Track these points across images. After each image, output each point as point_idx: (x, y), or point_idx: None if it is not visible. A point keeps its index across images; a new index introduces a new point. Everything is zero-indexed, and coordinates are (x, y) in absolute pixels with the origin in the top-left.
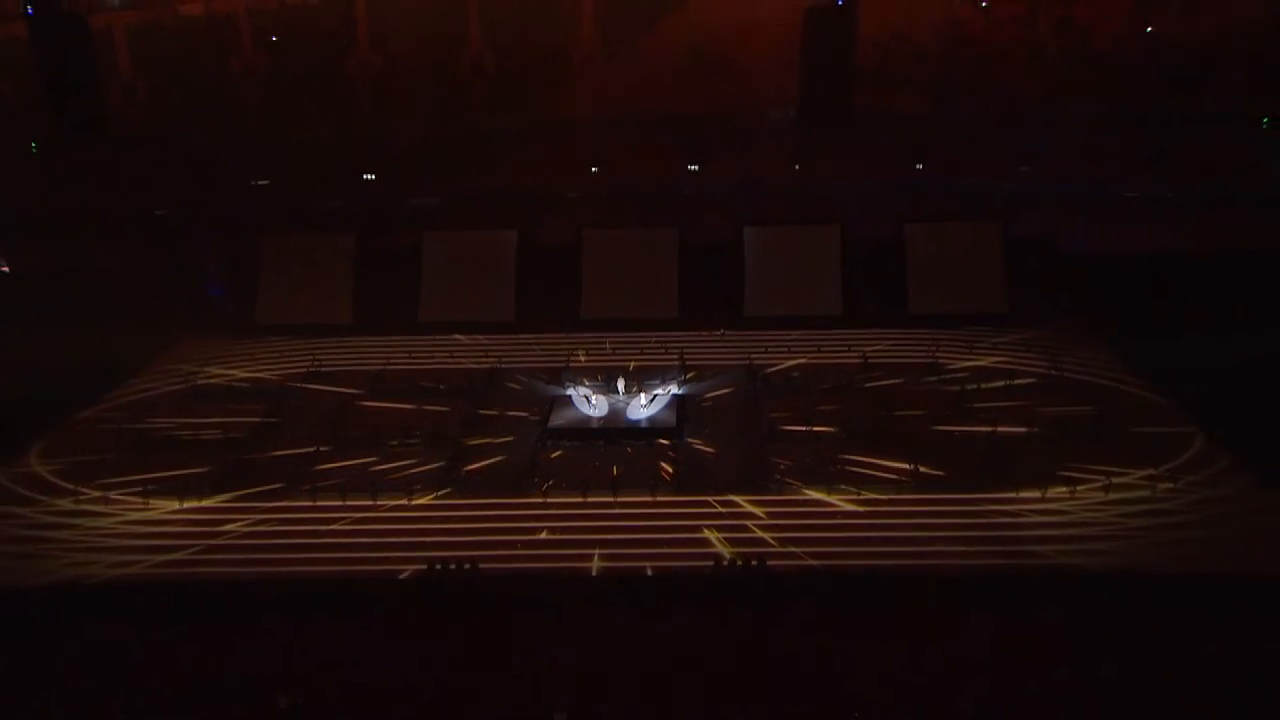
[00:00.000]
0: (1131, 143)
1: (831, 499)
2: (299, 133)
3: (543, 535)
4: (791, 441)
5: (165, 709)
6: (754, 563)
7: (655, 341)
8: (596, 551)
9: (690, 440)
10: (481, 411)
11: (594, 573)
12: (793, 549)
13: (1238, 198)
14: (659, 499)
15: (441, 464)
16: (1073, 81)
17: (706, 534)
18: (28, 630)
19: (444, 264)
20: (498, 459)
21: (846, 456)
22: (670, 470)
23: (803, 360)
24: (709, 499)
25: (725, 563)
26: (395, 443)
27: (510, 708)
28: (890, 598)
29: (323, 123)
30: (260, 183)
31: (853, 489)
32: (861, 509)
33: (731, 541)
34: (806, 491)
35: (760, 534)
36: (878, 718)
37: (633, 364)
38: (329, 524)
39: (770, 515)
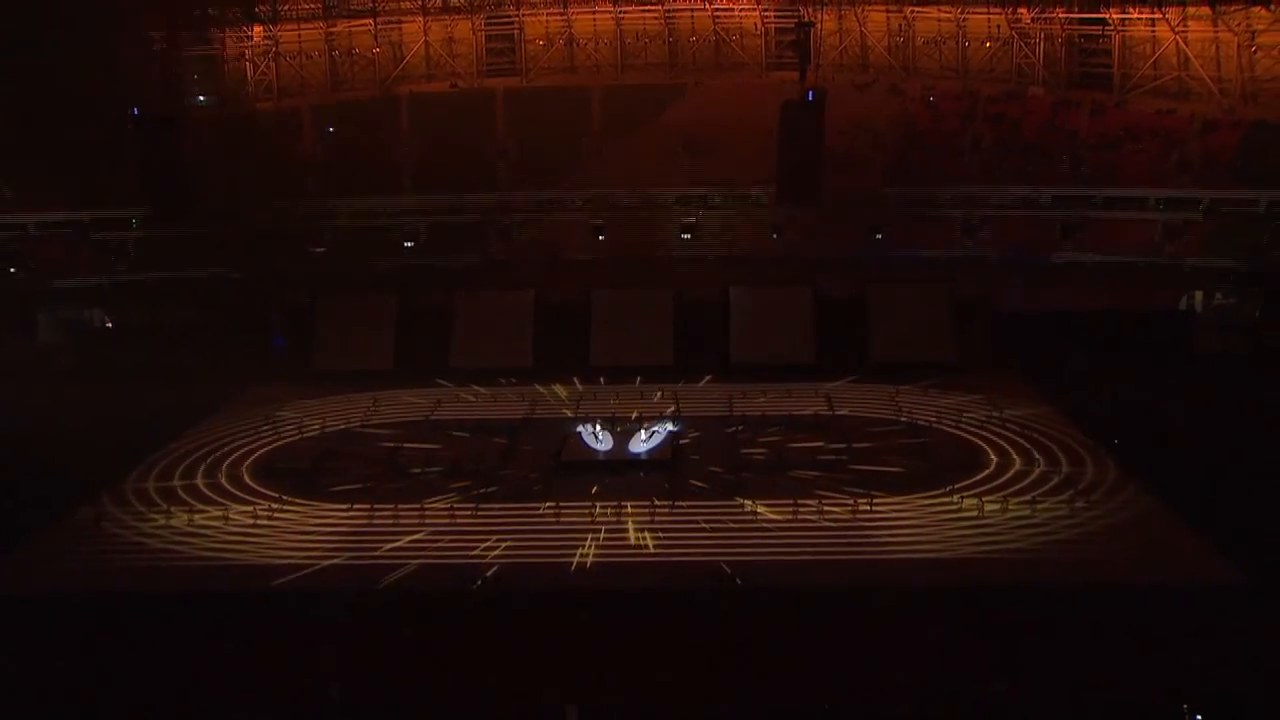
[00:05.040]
0: (1054, 219)
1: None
2: (350, 206)
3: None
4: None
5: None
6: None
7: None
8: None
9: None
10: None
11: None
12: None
13: (1139, 266)
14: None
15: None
16: (1006, 167)
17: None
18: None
19: (472, 318)
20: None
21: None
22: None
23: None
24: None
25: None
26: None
27: (524, 701)
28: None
29: (370, 198)
30: (317, 250)
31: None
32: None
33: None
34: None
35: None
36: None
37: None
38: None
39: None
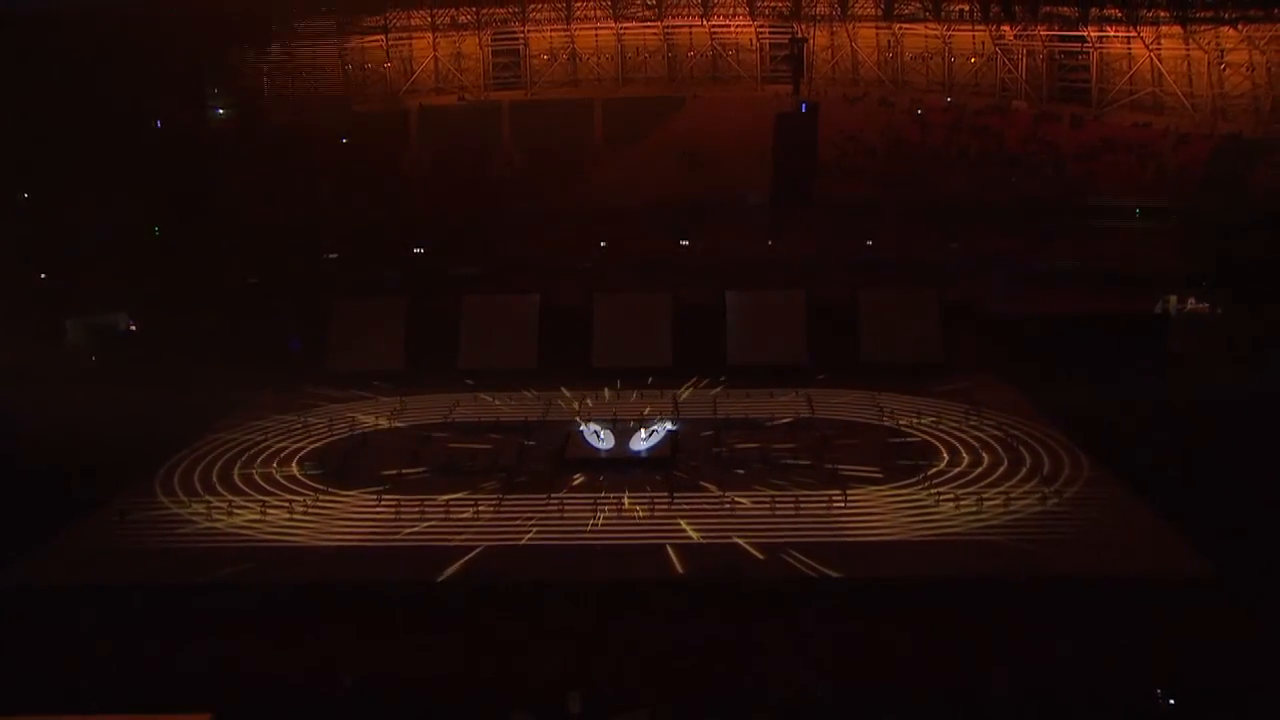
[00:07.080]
0: (1035, 227)
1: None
2: (363, 215)
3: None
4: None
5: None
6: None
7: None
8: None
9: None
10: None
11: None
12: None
13: (1117, 272)
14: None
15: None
16: (990, 176)
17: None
18: None
19: (479, 321)
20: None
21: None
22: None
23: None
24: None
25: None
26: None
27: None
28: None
29: (382, 207)
30: (331, 256)
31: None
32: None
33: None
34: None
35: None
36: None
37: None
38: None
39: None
